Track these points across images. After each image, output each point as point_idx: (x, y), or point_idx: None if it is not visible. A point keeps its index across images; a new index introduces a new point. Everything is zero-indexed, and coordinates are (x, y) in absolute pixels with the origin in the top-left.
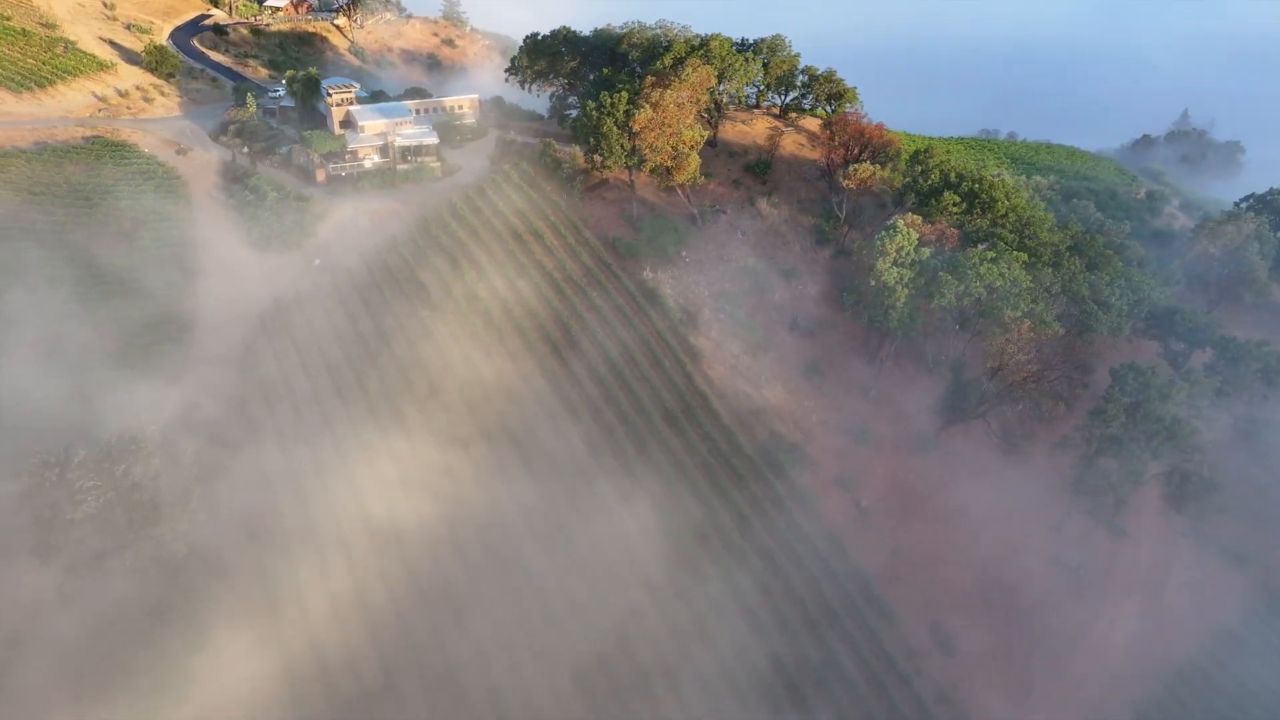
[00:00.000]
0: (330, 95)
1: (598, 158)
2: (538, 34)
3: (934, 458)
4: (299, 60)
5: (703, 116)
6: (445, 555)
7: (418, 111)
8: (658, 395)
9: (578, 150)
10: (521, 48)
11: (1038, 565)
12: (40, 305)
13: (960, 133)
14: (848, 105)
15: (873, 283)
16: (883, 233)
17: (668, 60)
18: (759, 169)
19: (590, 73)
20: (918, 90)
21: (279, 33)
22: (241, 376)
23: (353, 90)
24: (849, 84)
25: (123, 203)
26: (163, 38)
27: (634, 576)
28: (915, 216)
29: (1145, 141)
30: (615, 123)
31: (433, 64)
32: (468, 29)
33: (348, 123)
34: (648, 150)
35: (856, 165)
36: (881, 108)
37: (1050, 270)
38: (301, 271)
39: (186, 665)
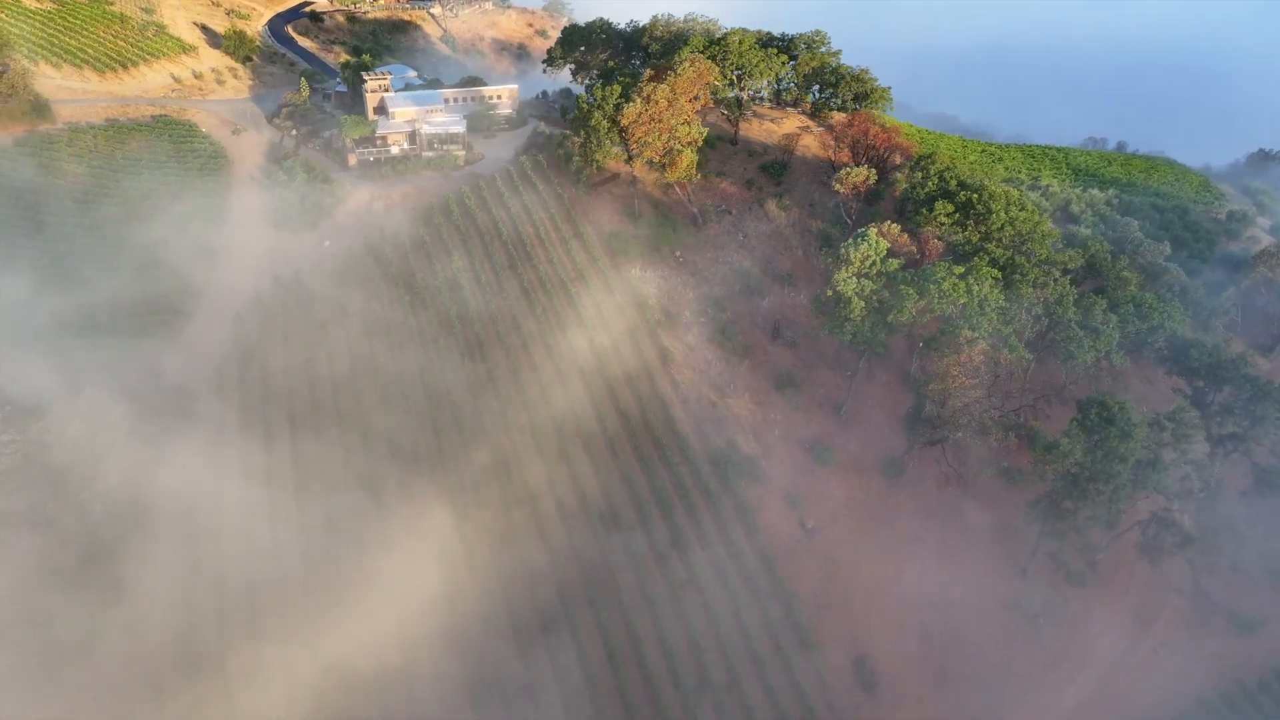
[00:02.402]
0: (366, 82)
1: (589, 151)
2: (576, 25)
3: (898, 482)
4: (388, 48)
5: (723, 113)
6: (351, 541)
7: (453, 100)
8: (614, 396)
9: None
10: (558, 40)
11: (992, 608)
12: (46, 271)
13: (1065, 141)
14: (875, 106)
15: (829, 293)
16: (849, 241)
17: (684, 54)
18: (774, 169)
19: (625, 65)
20: (1037, 94)
21: (374, 20)
22: (215, 351)
23: (388, 78)
24: (924, 84)
25: (168, 178)
26: (260, 23)
27: (550, 578)
28: (893, 225)
29: (1260, 157)
30: (605, 116)
31: (522, 54)
32: (564, 20)
33: (381, 109)
34: (635, 145)
35: (848, 169)
36: (982, 110)
37: (1032, 290)
38: (310, 251)
39: (98, 620)
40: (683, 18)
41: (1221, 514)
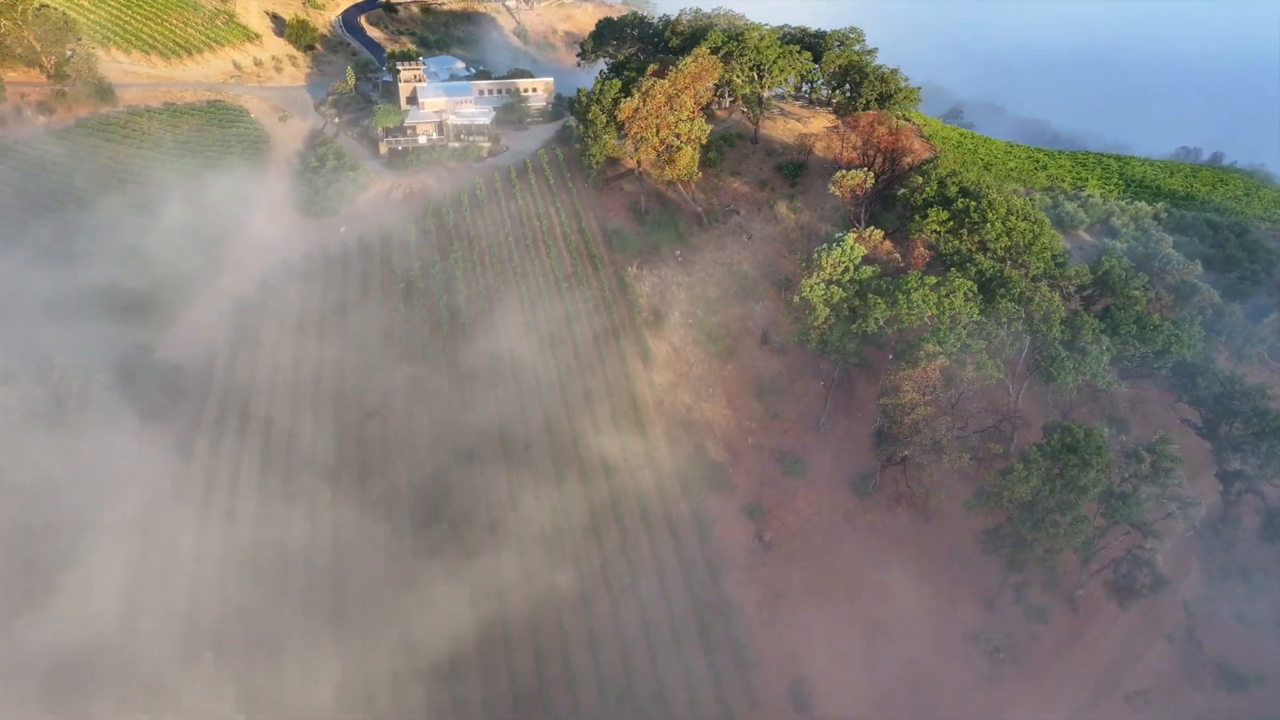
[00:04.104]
0: (400, 73)
1: (586, 145)
2: (610, 19)
3: (867, 500)
4: (458, 40)
5: (743, 111)
6: (299, 537)
7: (486, 92)
8: (587, 396)
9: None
10: (591, 33)
11: (949, 639)
12: (57, 251)
13: (1161, 153)
14: (900, 106)
15: (796, 299)
16: (823, 247)
17: (703, 49)
18: (790, 170)
19: (648, 59)
20: (1149, 101)
21: (448, 12)
22: (203, 335)
23: (421, 68)
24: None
25: (209, 161)
26: (335, 13)
27: (493, 579)
28: (876, 232)
29: None
30: (603, 110)
31: None
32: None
33: (413, 99)
34: (633, 141)
35: (844, 172)
36: (1082, 117)
37: (1014, 305)
38: (325, 237)
39: (53, 580)
40: (711, 11)
41: (1236, 559)
